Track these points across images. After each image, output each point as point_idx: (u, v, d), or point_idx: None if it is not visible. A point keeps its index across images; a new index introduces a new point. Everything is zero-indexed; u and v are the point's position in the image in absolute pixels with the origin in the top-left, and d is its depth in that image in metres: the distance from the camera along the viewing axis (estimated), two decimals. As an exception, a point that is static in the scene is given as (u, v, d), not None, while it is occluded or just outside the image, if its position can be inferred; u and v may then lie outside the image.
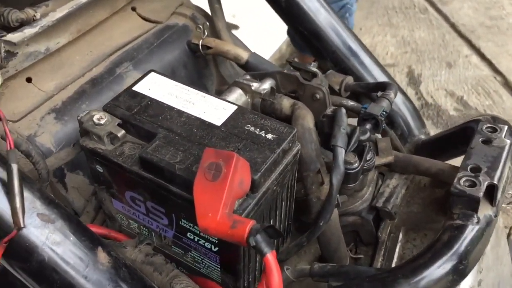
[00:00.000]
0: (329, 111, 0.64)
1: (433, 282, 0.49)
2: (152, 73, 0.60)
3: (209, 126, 0.53)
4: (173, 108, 0.55)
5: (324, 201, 0.57)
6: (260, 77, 0.72)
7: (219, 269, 0.55)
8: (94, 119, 0.53)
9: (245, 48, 0.87)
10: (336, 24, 0.84)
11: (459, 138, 0.72)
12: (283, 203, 0.56)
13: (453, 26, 2.13)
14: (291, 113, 0.66)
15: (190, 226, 0.52)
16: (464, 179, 0.51)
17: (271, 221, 0.56)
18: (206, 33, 0.81)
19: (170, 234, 0.56)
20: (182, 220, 0.52)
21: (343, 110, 0.61)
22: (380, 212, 0.65)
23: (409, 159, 0.69)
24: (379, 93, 0.69)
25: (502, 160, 0.53)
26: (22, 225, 0.46)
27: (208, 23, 0.82)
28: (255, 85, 0.69)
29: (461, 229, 0.50)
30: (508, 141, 0.55)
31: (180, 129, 0.53)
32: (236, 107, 0.56)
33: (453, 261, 0.49)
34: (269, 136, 0.52)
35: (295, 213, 0.62)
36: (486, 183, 0.50)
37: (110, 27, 0.81)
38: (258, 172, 0.48)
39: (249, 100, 0.69)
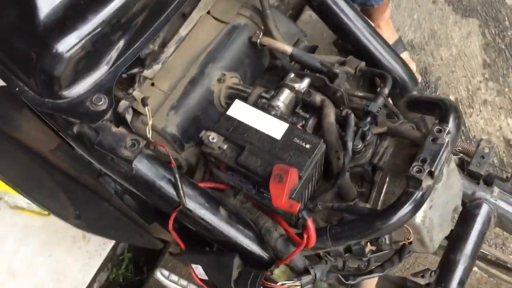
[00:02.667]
0: (344, 112, 1.03)
1: (399, 221, 0.93)
2: (237, 101, 1.00)
3: (274, 140, 0.95)
4: (252, 127, 0.97)
5: (340, 168, 1.00)
6: (300, 76, 1.10)
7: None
8: (210, 138, 0.95)
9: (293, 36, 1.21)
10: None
11: (431, 106, 1.11)
12: (316, 175, 1.00)
13: None
14: (321, 105, 1.06)
15: (265, 192, 0.97)
16: (416, 168, 0.92)
17: (310, 184, 1.00)
18: (261, 33, 1.16)
19: (253, 191, 1.01)
20: (261, 189, 0.97)
21: (352, 116, 1.00)
22: (376, 166, 1.07)
23: (396, 128, 1.09)
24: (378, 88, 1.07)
25: (440, 153, 0.93)
26: (185, 204, 0.92)
27: (262, 27, 1.16)
28: (297, 85, 1.07)
29: (412, 193, 0.93)
30: (446, 139, 0.94)
31: (258, 142, 0.95)
32: (287, 125, 0.96)
33: (409, 208, 0.93)
34: (307, 145, 0.94)
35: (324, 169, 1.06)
36: (427, 170, 0.91)
37: (196, 32, 1.16)
38: (302, 171, 0.91)
39: (293, 95, 1.08)
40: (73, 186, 1.35)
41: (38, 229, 1.99)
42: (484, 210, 1.31)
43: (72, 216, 1.39)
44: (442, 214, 1.09)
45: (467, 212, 1.32)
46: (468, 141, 1.94)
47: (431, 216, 1.04)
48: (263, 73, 1.26)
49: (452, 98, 2.03)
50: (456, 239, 1.29)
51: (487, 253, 1.56)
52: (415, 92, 1.23)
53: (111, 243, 1.98)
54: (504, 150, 1.93)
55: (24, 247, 1.97)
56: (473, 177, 1.32)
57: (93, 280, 1.93)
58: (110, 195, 1.37)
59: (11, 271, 1.92)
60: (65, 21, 0.84)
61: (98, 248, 1.97)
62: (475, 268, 1.68)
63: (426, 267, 1.28)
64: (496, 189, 1.33)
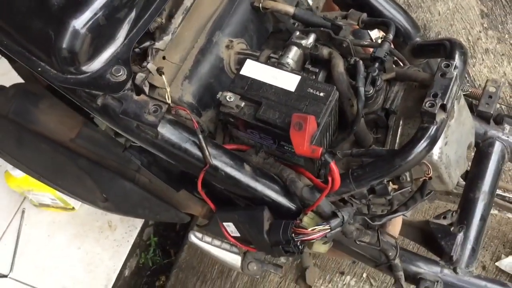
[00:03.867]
0: (352, 61, 1.06)
1: (417, 156, 0.96)
2: (248, 60, 1.03)
3: (288, 92, 0.98)
4: (266, 83, 1.00)
5: (355, 115, 1.04)
6: (306, 33, 1.13)
7: (303, 160, 1.05)
8: (227, 98, 0.99)
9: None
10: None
11: (437, 48, 1.14)
12: (332, 124, 1.04)
13: None
14: (329, 58, 1.09)
15: (285, 145, 1.01)
16: (428, 102, 0.95)
17: (328, 133, 1.04)
18: (263, -4, 1.19)
19: (273, 147, 1.05)
20: (281, 142, 1.01)
21: (360, 62, 1.03)
22: (389, 110, 1.11)
23: (404, 72, 1.12)
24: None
25: (451, 86, 0.96)
26: (211, 162, 0.96)
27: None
28: (303, 42, 1.11)
29: (427, 128, 0.96)
30: (455, 73, 0.97)
31: (273, 96, 0.98)
32: (300, 77, 1.00)
33: (426, 143, 0.96)
34: (321, 94, 0.98)
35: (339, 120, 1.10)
36: (439, 103, 0.95)
37: (200, 1, 1.19)
38: (319, 118, 0.95)
39: (301, 51, 1.12)
40: (97, 170, 1.39)
41: (64, 224, 2.05)
42: (497, 147, 1.34)
43: (100, 199, 1.43)
44: (457, 150, 1.12)
45: (481, 152, 1.35)
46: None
47: (448, 153, 1.07)
48: (268, 38, 1.30)
49: (453, 50, 2.05)
50: (473, 178, 1.33)
51: (505, 194, 1.60)
52: (418, 39, 1.25)
53: (137, 230, 2.04)
54: (511, 94, 1.96)
55: (53, 242, 2.02)
56: (483, 117, 1.35)
57: (124, 266, 1.98)
58: (133, 175, 1.41)
59: (43, 267, 1.97)
60: (78, -1, 0.88)
61: (125, 235, 2.02)
62: (494, 211, 1.72)
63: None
64: (507, 127, 1.36)
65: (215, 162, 0.98)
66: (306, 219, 0.99)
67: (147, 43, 1.06)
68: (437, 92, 0.96)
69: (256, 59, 1.13)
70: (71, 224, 2.04)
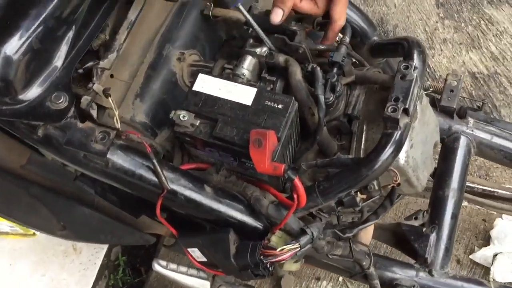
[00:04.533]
0: (309, 67, 1.01)
1: (383, 164, 0.92)
2: (201, 75, 0.97)
3: (245, 107, 0.93)
4: (221, 98, 0.94)
5: (317, 124, 0.99)
6: (259, 41, 1.08)
7: (267, 176, 0.99)
8: (180, 117, 0.93)
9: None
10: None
11: (395, 47, 1.11)
12: (294, 135, 0.99)
13: None
14: (285, 65, 1.04)
15: (247, 161, 0.96)
16: (390, 108, 0.92)
17: (290, 146, 0.99)
18: (212, 5, 1.13)
19: (234, 164, 0.99)
20: (242, 159, 0.96)
21: (318, 69, 0.99)
22: (351, 116, 1.07)
23: (363, 75, 1.08)
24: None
25: (411, 89, 0.93)
26: (168, 187, 0.90)
27: (211, -4, 1.13)
28: (258, 50, 1.05)
29: (391, 134, 0.92)
30: (415, 74, 0.94)
31: (230, 112, 0.93)
32: (256, 89, 0.94)
33: (391, 149, 0.92)
34: (280, 106, 0.92)
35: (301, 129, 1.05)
36: (402, 108, 0.91)
37: (145, 14, 1.12)
38: (279, 132, 0.90)
39: (256, 60, 1.06)
40: (52, 197, 1.31)
41: (26, 251, 1.95)
42: (462, 142, 1.33)
43: (57, 228, 1.35)
44: (423, 151, 1.09)
45: (446, 148, 1.33)
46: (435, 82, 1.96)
47: (414, 155, 1.04)
48: (222, 46, 1.24)
49: (412, 43, 2.04)
50: (441, 175, 1.31)
51: (473, 185, 1.59)
52: (375, 38, 1.22)
53: (103, 250, 1.95)
54: (471, 83, 1.96)
55: (16, 271, 1.92)
56: (446, 112, 1.33)
57: (93, 290, 1.90)
58: (91, 200, 1.34)
59: (6, 299, 1.87)
60: (6, 21, 0.80)
61: (91, 257, 1.93)
62: (465, 203, 1.71)
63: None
64: (470, 120, 1.35)
65: (173, 186, 0.92)
66: (274, 239, 0.94)
67: (91, 63, 1.00)
68: (398, 96, 0.92)
69: (210, 71, 1.08)
70: (33, 250, 1.94)
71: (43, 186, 1.30)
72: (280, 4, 1.03)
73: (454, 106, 1.32)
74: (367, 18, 1.23)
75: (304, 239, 0.93)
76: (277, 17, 1.04)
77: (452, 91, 1.33)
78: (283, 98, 0.93)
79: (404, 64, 0.95)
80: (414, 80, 0.93)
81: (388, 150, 0.92)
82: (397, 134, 0.92)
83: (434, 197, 1.29)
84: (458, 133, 1.33)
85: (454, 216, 1.27)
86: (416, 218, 1.28)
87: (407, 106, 0.91)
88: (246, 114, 0.93)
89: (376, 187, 0.98)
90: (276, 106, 0.93)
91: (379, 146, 0.92)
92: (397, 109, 0.91)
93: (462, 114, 1.34)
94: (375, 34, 1.22)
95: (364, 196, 0.98)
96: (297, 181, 0.87)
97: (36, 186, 1.30)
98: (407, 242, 1.24)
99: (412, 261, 1.23)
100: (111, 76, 1.07)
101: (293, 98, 0.94)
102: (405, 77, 0.94)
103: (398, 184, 0.98)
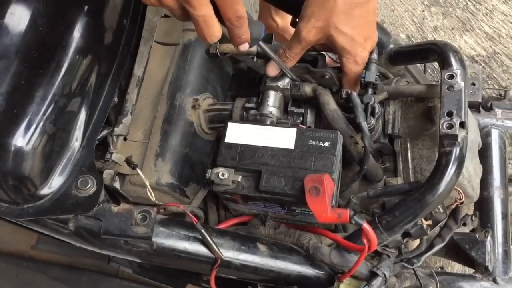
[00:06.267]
0: (343, 93, 0.92)
1: (448, 186, 0.84)
2: (230, 124, 0.87)
3: (288, 151, 0.84)
4: (259, 146, 0.85)
5: (363, 154, 0.90)
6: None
7: (318, 218, 0.90)
8: (219, 175, 0.83)
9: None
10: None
11: (421, 53, 1.03)
12: (340, 170, 0.90)
13: None
14: (313, 95, 0.95)
15: (297, 208, 0.86)
16: (446, 124, 0.84)
17: (338, 182, 0.90)
18: (218, 42, 1.04)
19: (282, 212, 0.90)
20: (292, 207, 0.86)
21: (354, 94, 0.90)
22: (392, 135, 0.99)
23: (396, 90, 1.00)
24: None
25: (463, 100, 0.85)
26: (223, 257, 0.80)
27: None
28: (280, 83, 0.96)
29: (450, 151, 0.84)
30: (462, 83, 0.86)
31: (272, 160, 0.83)
32: (295, 129, 0.85)
33: (454, 168, 0.84)
34: (326, 144, 0.84)
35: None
36: (458, 122, 0.83)
37: (149, 66, 1.02)
38: (333, 173, 0.81)
39: (280, 94, 0.97)
40: (73, 275, 1.20)
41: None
42: (495, 135, 1.26)
43: (85, 307, 1.24)
44: (472, 158, 1.02)
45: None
46: (435, 73, 1.90)
47: (467, 165, 0.96)
48: (231, 82, 1.15)
49: (402, 35, 1.98)
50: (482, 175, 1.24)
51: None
52: (392, 46, 1.14)
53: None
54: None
55: None
56: (472, 108, 1.26)
57: None
58: (115, 269, 1.23)
59: None
60: (13, 110, 0.69)
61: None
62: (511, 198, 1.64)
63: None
64: (498, 111, 1.28)
65: (226, 253, 0.82)
66: (342, 286, 0.85)
67: (105, 131, 0.89)
68: (451, 109, 0.84)
69: (230, 114, 0.99)
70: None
71: (61, 265, 1.20)
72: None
73: (480, 100, 1.25)
74: (381, 27, 1.15)
75: (377, 283, 0.84)
76: (273, 71, 0.95)
77: (474, 84, 1.27)
78: (328, 134, 0.84)
79: (448, 73, 0.88)
80: (463, 89, 0.86)
81: (451, 170, 0.83)
82: (457, 151, 0.84)
83: (479, 200, 1.22)
84: (488, 127, 1.26)
85: (505, 216, 1.20)
86: (465, 224, 1.20)
87: (463, 119, 0.83)
88: (291, 159, 0.83)
89: (441, 210, 0.90)
90: (323, 145, 0.84)
91: (441, 167, 0.84)
92: (454, 125, 0.83)
93: (488, 107, 1.28)
94: (391, 42, 1.14)
95: (430, 222, 0.90)
96: (365, 225, 0.78)
97: (54, 266, 1.19)
98: (462, 251, 1.17)
99: (472, 272, 1.16)
100: (124, 139, 0.97)
101: (338, 132, 0.85)
102: (452, 88, 0.86)
103: (462, 203, 0.90)
